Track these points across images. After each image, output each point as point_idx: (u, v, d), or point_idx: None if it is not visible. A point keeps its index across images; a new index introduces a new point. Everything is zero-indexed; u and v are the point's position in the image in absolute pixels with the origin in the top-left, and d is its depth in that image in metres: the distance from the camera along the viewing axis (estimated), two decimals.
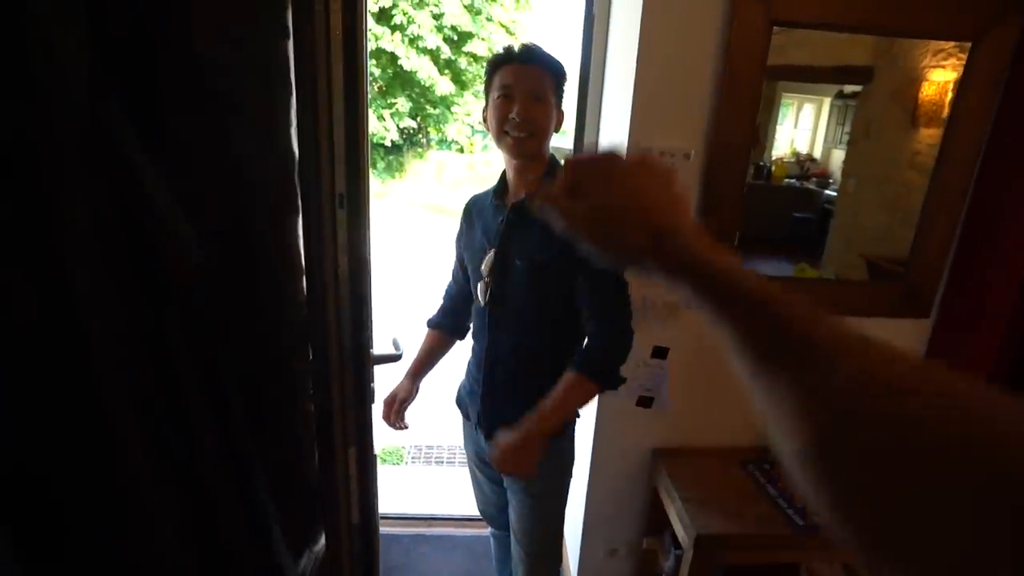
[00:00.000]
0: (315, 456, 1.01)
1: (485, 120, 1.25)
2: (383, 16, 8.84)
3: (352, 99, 0.95)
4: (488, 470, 1.49)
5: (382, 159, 11.12)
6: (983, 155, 1.45)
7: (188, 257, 0.64)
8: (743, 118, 1.39)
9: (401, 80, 9.65)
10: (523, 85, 1.15)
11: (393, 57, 9.11)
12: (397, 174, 11.44)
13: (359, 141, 0.99)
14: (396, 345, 1.29)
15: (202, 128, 0.74)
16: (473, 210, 1.39)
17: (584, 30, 1.66)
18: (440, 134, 11.44)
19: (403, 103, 9.86)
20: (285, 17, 0.89)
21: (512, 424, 1.25)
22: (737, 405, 1.67)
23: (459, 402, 1.48)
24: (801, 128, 1.51)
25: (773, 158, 1.50)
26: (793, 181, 1.54)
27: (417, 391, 1.51)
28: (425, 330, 1.55)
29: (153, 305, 0.60)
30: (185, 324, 0.63)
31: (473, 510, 1.72)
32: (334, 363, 0.96)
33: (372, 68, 9.33)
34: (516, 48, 1.20)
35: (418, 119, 10.79)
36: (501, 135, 1.19)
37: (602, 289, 1.20)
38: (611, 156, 0.48)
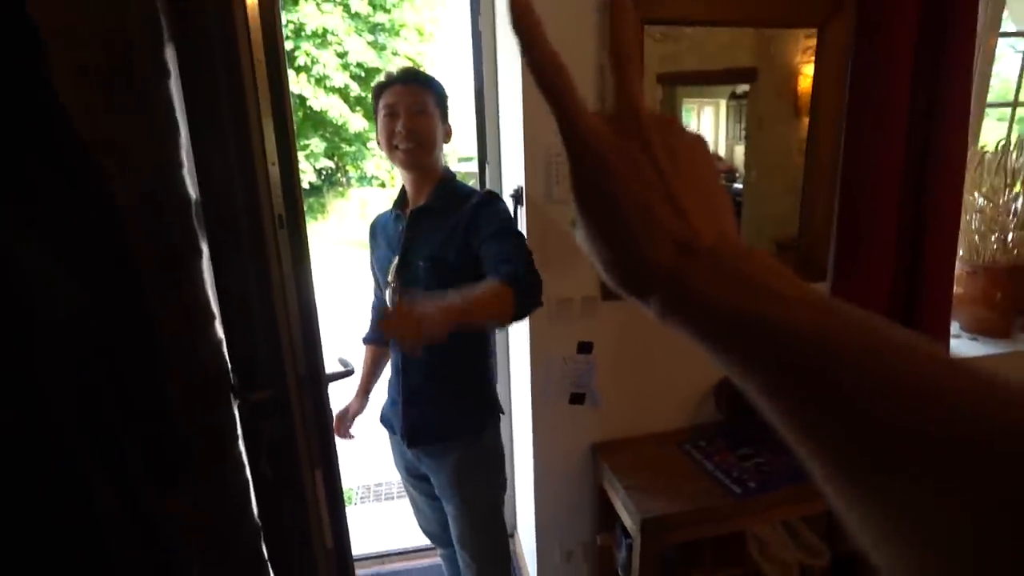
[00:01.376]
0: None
1: (379, 143, 1.31)
2: (287, 59, 8.73)
3: (279, 115, 0.95)
4: (422, 485, 1.49)
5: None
6: (845, 126, 1.59)
7: (58, 306, 0.61)
8: None
9: (312, 121, 9.52)
10: (405, 101, 1.25)
11: (301, 99, 9.00)
12: (320, 216, 11.21)
13: (290, 159, 0.99)
14: (344, 363, 1.26)
15: (71, 175, 0.71)
16: (377, 229, 1.45)
17: (473, 45, 1.71)
18: (359, 171, 11.33)
19: (317, 143, 9.73)
20: (162, 55, 0.87)
21: (435, 429, 1.35)
22: (666, 389, 1.73)
23: (384, 420, 1.48)
24: (704, 129, 1.61)
25: None
26: None
27: (366, 404, 1.59)
28: (363, 348, 1.61)
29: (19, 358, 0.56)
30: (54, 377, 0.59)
31: (425, 539, 1.69)
32: (292, 387, 0.95)
33: None
34: (396, 72, 1.30)
35: (335, 158, 10.65)
36: (392, 150, 1.27)
37: (502, 243, 1.17)
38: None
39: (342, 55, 8.81)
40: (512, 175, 1.65)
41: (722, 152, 1.63)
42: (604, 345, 1.63)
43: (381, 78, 1.33)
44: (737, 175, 1.64)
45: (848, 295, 1.68)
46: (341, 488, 1.18)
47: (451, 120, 1.36)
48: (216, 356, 0.95)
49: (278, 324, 0.96)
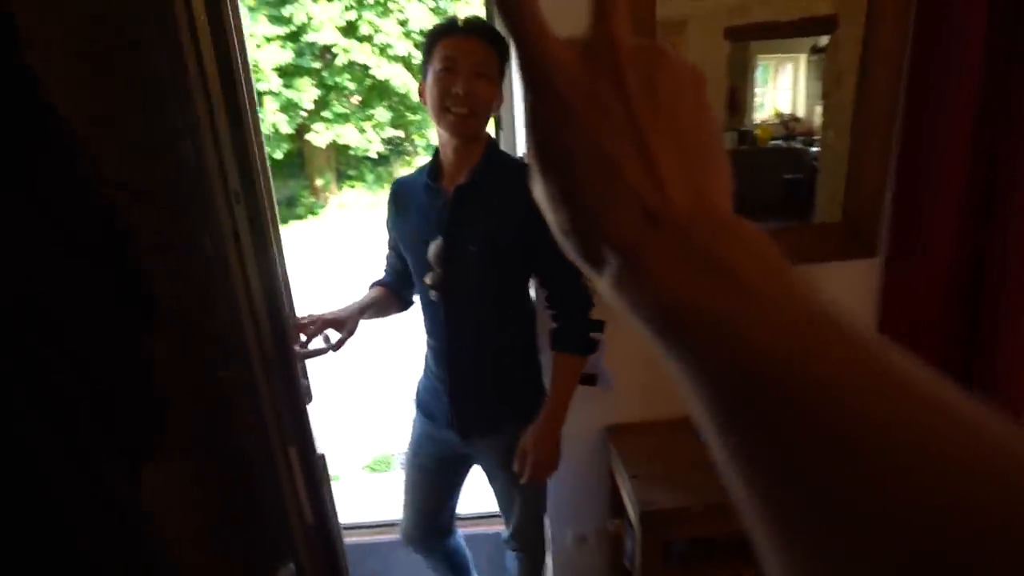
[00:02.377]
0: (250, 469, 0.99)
1: (422, 95, 1.16)
2: (350, 29, 8.81)
3: (229, 88, 0.91)
4: (449, 471, 1.42)
5: (370, 171, 11.13)
6: (907, 74, 1.36)
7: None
8: None
9: (377, 91, 9.62)
10: (467, 59, 1.08)
11: (365, 68, 9.09)
12: (387, 184, 11.47)
13: (243, 134, 0.94)
14: (327, 339, 1.24)
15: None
16: (403, 195, 1.29)
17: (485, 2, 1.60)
18: (424, 139, 11.43)
19: (382, 113, 9.85)
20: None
21: (487, 420, 1.28)
22: None
23: (420, 403, 1.40)
24: (781, 88, 1.46)
25: (756, 122, 1.45)
26: (779, 142, 1.48)
27: (356, 327, 1.27)
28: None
29: None
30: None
31: (463, 508, 1.64)
32: (257, 366, 0.94)
33: (347, 82, 9.31)
34: (459, 20, 1.12)
35: (400, 127, 10.78)
36: (442, 112, 1.11)
37: (559, 256, 1.14)
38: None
39: (403, 23, 8.78)
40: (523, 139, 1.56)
41: (801, 112, 1.47)
42: (620, 325, 1.51)
43: (439, 21, 1.15)
44: (816, 138, 1.46)
45: (902, 276, 1.47)
46: (320, 464, 1.16)
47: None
48: (176, 333, 0.95)
49: (238, 302, 0.95)
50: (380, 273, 1.44)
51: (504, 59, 1.14)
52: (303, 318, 1.21)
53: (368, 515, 2.24)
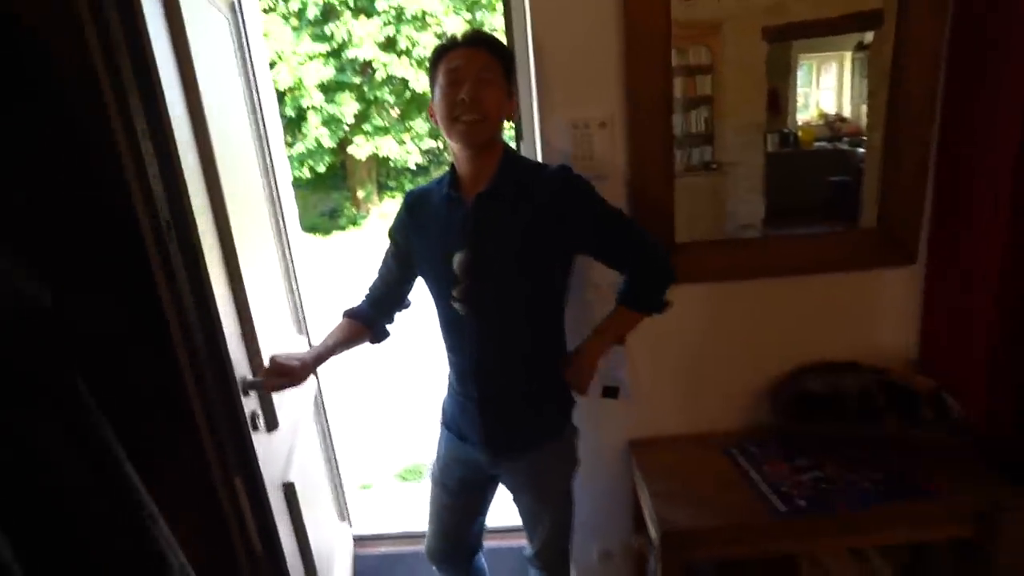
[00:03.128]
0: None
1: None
2: (389, 44, 9.01)
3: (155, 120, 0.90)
4: (476, 492, 1.38)
5: (410, 182, 11.32)
6: (945, 66, 1.28)
7: None
8: (656, 73, 1.29)
9: (416, 103, 9.79)
10: (471, 67, 1.08)
11: (404, 82, 9.26)
12: None
13: (172, 162, 0.93)
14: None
15: None
16: (420, 207, 1.25)
17: (504, 8, 1.60)
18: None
19: (421, 125, 10.01)
20: None
21: (521, 438, 1.25)
22: (715, 385, 1.55)
23: (449, 423, 1.35)
24: (824, 88, 1.42)
25: (799, 123, 1.41)
26: (824, 144, 1.43)
27: (305, 377, 1.22)
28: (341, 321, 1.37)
29: None
30: None
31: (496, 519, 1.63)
32: (193, 397, 0.94)
33: (386, 95, 9.51)
34: (459, 34, 1.13)
35: (439, 139, 10.93)
36: (451, 123, 1.10)
37: (615, 227, 1.17)
38: None
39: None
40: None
41: (847, 112, 1.41)
42: (646, 334, 1.46)
43: (442, 40, 1.16)
44: (863, 138, 1.40)
45: (948, 281, 1.38)
46: (264, 494, 1.13)
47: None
48: None
49: (170, 333, 0.92)
50: (358, 298, 1.37)
51: (509, 67, 1.13)
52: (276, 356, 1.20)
53: (398, 525, 2.24)
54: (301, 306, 1.78)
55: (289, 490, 1.31)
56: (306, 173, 9.75)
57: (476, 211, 1.14)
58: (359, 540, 2.13)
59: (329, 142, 9.38)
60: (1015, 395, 1.31)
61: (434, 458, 1.41)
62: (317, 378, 1.91)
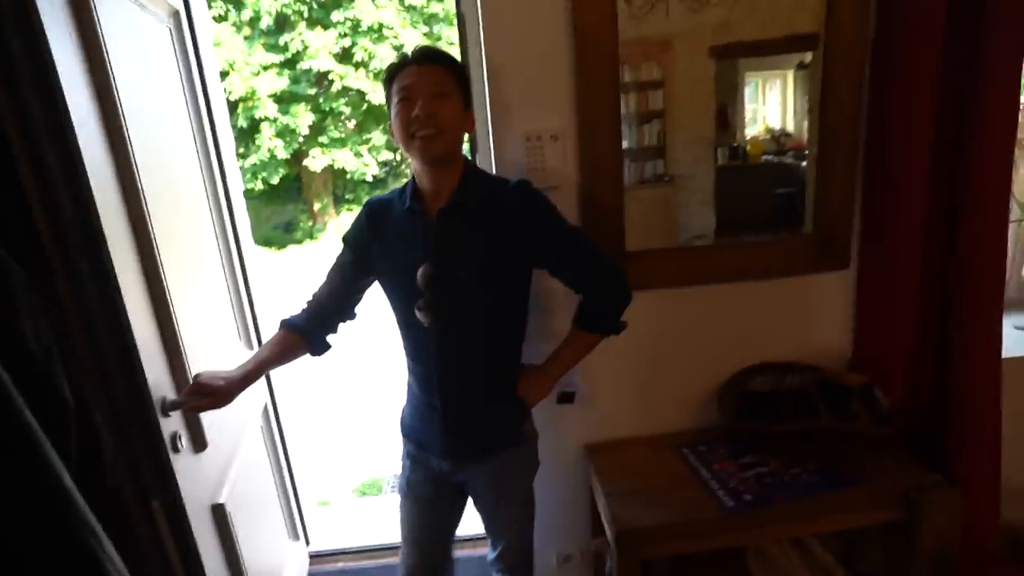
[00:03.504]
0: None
1: (393, 135, 1.16)
2: (345, 56, 8.96)
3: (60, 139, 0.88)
4: (446, 500, 1.35)
5: (367, 195, 11.22)
6: (869, 79, 1.38)
7: None
8: (605, 87, 1.35)
9: (374, 115, 9.74)
10: (424, 84, 1.08)
11: (360, 94, 9.21)
12: None
13: (78, 181, 0.90)
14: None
15: None
16: (380, 217, 1.24)
17: (458, 24, 1.63)
18: None
19: (378, 137, 9.95)
20: None
21: (482, 444, 1.25)
22: (668, 388, 1.60)
23: (409, 433, 1.34)
24: (770, 104, 1.48)
25: (748, 137, 1.47)
26: (771, 157, 1.50)
27: (230, 399, 1.16)
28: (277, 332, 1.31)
29: None
30: None
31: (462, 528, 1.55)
32: (99, 420, 0.90)
33: (342, 107, 9.42)
34: (410, 52, 1.14)
35: (396, 151, 10.89)
36: (409, 140, 1.10)
37: (572, 246, 1.19)
38: None
39: (398, 48, 8.89)
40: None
41: (791, 128, 1.48)
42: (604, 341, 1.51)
43: (393, 59, 1.15)
44: (806, 152, 1.48)
45: (875, 284, 1.48)
46: (185, 517, 1.09)
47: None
48: None
49: (77, 354, 0.89)
50: (297, 308, 1.32)
51: (463, 81, 1.15)
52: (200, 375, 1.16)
53: (358, 540, 2.21)
54: (254, 320, 1.75)
55: (219, 512, 1.27)
56: (259, 185, 9.53)
57: (439, 226, 1.16)
58: (316, 557, 2.09)
59: (283, 154, 9.22)
60: (934, 388, 1.42)
61: (400, 475, 1.39)
62: (271, 391, 1.87)
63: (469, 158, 1.22)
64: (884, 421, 1.38)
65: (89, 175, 0.91)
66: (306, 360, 1.33)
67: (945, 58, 1.28)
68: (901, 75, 1.32)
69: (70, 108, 0.87)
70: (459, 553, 1.93)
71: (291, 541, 1.90)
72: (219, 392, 1.14)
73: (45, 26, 0.83)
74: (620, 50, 1.34)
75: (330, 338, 1.32)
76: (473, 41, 1.63)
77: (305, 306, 1.31)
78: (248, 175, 9.25)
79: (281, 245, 10.13)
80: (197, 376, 1.14)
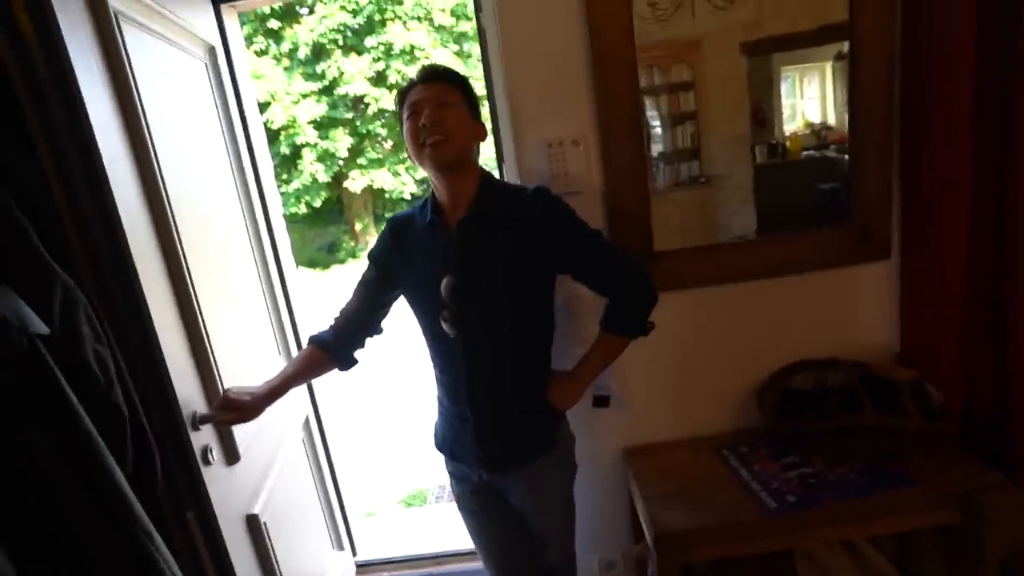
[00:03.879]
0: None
1: (408, 153, 1.21)
2: (380, 79, 9.23)
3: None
4: (496, 505, 1.35)
5: None
6: (900, 62, 1.34)
7: None
8: (624, 92, 1.35)
9: None
10: (428, 97, 1.14)
11: (396, 115, 9.43)
12: None
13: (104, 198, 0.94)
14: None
15: None
16: (403, 233, 1.28)
17: (479, 38, 1.67)
18: None
19: None
20: None
21: (515, 452, 1.26)
22: (706, 390, 1.58)
23: (441, 446, 1.36)
24: (808, 98, 1.45)
25: (787, 133, 1.45)
26: (812, 152, 1.47)
27: (256, 414, 1.22)
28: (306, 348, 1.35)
29: None
30: None
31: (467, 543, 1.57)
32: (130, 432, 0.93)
33: (379, 129, 9.70)
34: (416, 73, 1.20)
35: None
36: (419, 150, 1.14)
37: (595, 251, 1.20)
38: None
39: None
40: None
41: (832, 121, 1.45)
42: (635, 343, 1.49)
43: (403, 83, 1.23)
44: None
45: (919, 273, 1.42)
46: (217, 528, 1.14)
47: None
48: None
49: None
50: (325, 325, 1.36)
51: (467, 92, 1.19)
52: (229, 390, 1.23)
53: (403, 550, 2.24)
54: (296, 337, 1.81)
55: (253, 522, 1.31)
56: (303, 208, 9.88)
57: (459, 237, 1.18)
58: (362, 567, 2.13)
59: (324, 177, 9.54)
60: (991, 380, 1.35)
61: (449, 489, 1.43)
62: (314, 402, 1.94)
63: (486, 169, 1.24)
64: (936, 417, 1.32)
65: (120, 210, 0.96)
66: (350, 373, 1.37)
67: (980, 39, 1.22)
68: (935, 62, 1.27)
69: (101, 150, 0.94)
70: (475, 565, 1.92)
71: (335, 551, 1.94)
72: (245, 407, 1.19)
73: (76, 69, 0.89)
74: (643, 54, 1.35)
75: (358, 353, 1.35)
76: (494, 53, 1.67)
77: (332, 322, 1.35)
78: (292, 199, 9.61)
79: (325, 266, 10.45)
80: (226, 391, 1.21)
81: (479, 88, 1.50)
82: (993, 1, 1.20)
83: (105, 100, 0.98)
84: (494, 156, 1.78)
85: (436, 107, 1.12)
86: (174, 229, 1.14)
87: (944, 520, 1.22)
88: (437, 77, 1.17)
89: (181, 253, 1.15)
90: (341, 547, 2.00)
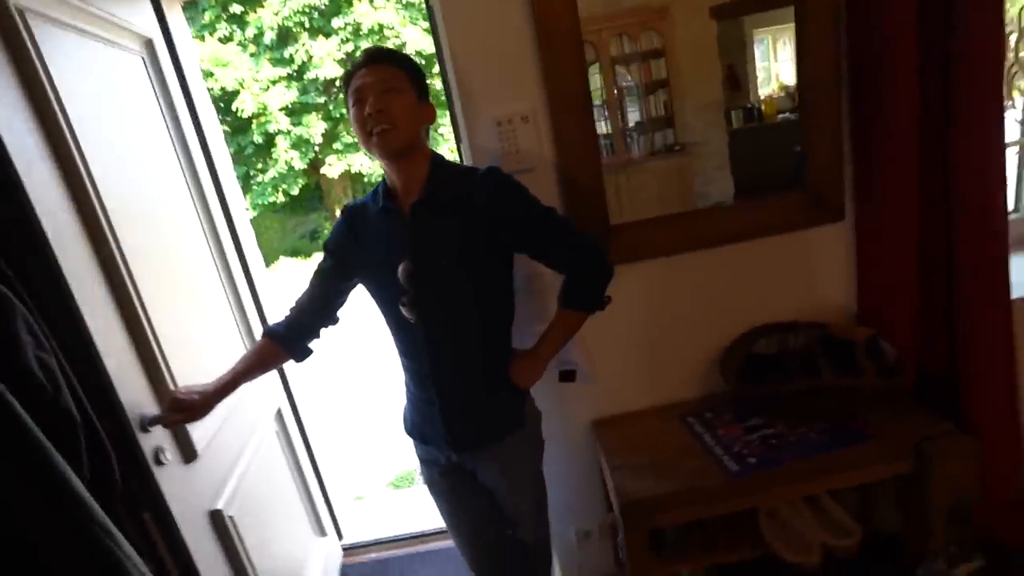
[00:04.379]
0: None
1: (359, 141, 1.18)
2: (349, 61, 9.06)
3: None
4: (467, 486, 1.37)
5: None
6: (845, 23, 1.34)
7: None
8: (570, 68, 1.34)
9: None
10: (373, 83, 1.11)
11: None
12: None
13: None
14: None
15: None
16: (358, 221, 1.28)
17: (428, 14, 1.64)
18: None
19: None
20: None
21: (483, 432, 1.27)
22: (672, 358, 1.60)
23: (411, 431, 1.38)
24: (783, 60, 1.43)
25: (762, 97, 1.44)
26: (788, 115, 1.46)
27: (206, 412, 1.22)
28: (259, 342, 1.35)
29: None
30: None
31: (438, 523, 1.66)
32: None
33: None
34: (360, 55, 1.17)
35: None
36: (367, 138, 1.13)
37: (549, 228, 1.20)
38: None
39: (400, 47, 8.97)
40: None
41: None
42: (598, 315, 1.50)
43: (348, 65, 1.20)
44: None
45: (872, 233, 1.44)
46: (175, 527, 1.14)
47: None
48: None
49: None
50: (280, 316, 1.35)
51: (415, 75, 1.16)
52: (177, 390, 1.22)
53: (392, 530, 2.27)
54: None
55: (217, 518, 1.32)
56: (281, 197, 9.75)
57: (413, 221, 1.18)
58: (350, 549, 2.16)
59: (300, 164, 9.40)
60: (943, 335, 1.38)
61: (419, 474, 1.44)
62: (288, 393, 1.94)
63: (437, 152, 1.23)
64: (891, 373, 1.35)
65: (39, 213, 0.94)
66: (334, 358, 1.37)
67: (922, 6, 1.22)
68: (880, 26, 1.27)
69: (11, 154, 0.91)
70: (444, 544, 1.96)
71: (317, 537, 1.97)
72: (194, 406, 1.19)
73: None
74: (611, 22, 1.33)
75: (313, 343, 1.35)
76: (441, 31, 1.65)
77: (288, 313, 1.34)
78: (269, 189, 9.48)
79: (307, 254, 10.37)
80: (172, 392, 1.20)
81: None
82: None
83: (14, 101, 0.95)
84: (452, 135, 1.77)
85: (381, 94, 1.11)
86: (107, 229, 1.11)
87: (899, 471, 1.26)
88: (382, 59, 1.15)
89: (118, 254, 1.13)
90: (324, 533, 2.02)
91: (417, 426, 1.35)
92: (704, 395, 1.60)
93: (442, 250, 1.17)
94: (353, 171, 9.78)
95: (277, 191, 9.62)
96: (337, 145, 9.59)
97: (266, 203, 9.61)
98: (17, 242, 0.92)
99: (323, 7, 8.77)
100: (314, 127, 9.20)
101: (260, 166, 9.49)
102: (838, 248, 1.52)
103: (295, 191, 9.79)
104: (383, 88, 1.11)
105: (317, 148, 9.45)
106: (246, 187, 9.49)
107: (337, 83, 9.07)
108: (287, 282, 8.12)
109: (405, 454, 3.32)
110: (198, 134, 1.67)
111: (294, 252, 10.50)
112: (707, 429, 1.45)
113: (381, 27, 8.82)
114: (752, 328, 1.55)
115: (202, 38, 8.60)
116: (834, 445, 1.30)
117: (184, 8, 1.77)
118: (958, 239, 1.34)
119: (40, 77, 1.00)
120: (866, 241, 1.47)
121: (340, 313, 1.36)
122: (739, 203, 1.50)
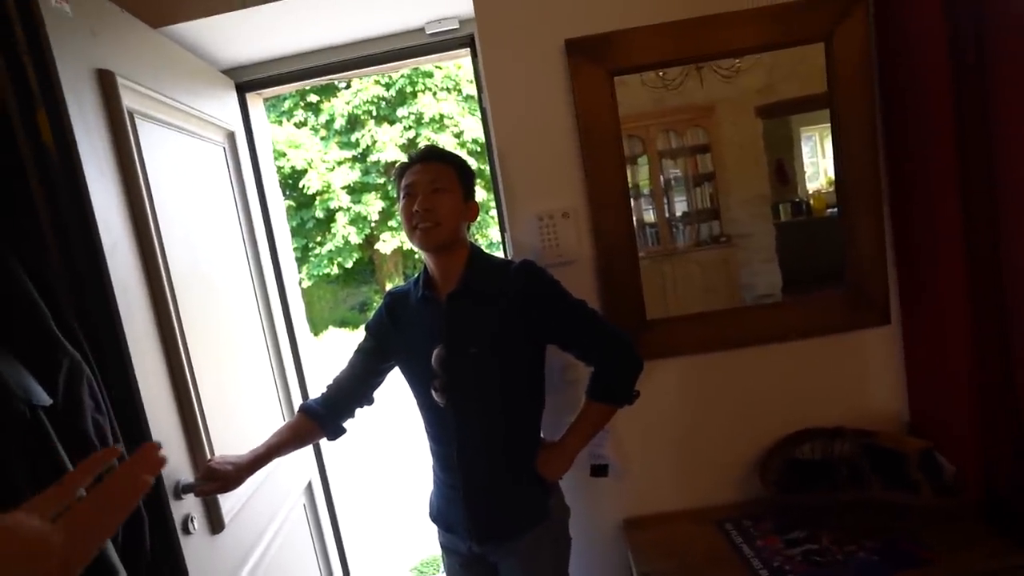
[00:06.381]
0: None
1: (404, 228, 1.27)
2: (410, 146, 9.65)
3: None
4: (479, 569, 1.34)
5: None
6: (882, 130, 1.37)
7: None
8: (610, 167, 1.40)
9: None
10: (423, 180, 1.20)
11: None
12: None
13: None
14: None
15: None
16: (398, 307, 1.34)
17: (481, 113, 1.78)
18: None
19: None
20: None
21: (506, 524, 1.25)
22: (710, 458, 1.54)
23: (436, 517, 1.37)
24: (831, 156, 1.45)
25: (810, 191, 1.48)
26: (836, 210, 1.47)
27: (237, 483, 1.22)
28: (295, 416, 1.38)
29: None
30: None
31: None
32: None
33: None
34: (415, 152, 1.27)
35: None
36: (411, 231, 1.21)
37: (578, 320, 1.22)
38: None
39: (458, 135, 9.55)
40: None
41: None
42: (634, 410, 1.45)
43: (403, 159, 1.28)
44: None
45: (921, 337, 1.39)
46: None
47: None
48: None
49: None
50: (320, 388, 1.39)
51: (463, 173, 1.25)
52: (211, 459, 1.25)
53: None
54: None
55: None
56: (335, 269, 10.20)
57: (448, 309, 1.23)
58: None
59: (356, 239, 9.89)
60: (1010, 451, 1.28)
61: (443, 565, 1.41)
62: (321, 468, 1.95)
63: (476, 245, 1.30)
64: (947, 491, 1.25)
65: (116, 292, 1.03)
66: (363, 438, 1.39)
67: (956, 105, 1.24)
68: (915, 127, 1.30)
69: (103, 239, 1.02)
70: None
71: None
72: (228, 476, 1.21)
73: (84, 165, 0.98)
74: (657, 119, 1.42)
75: (347, 423, 1.38)
76: (492, 129, 1.77)
77: (325, 390, 1.37)
78: (325, 261, 9.96)
79: (355, 325, 10.65)
80: (208, 461, 1.23)
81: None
82: (963, 72, 1.22)
83: (111, 191, 1.07)
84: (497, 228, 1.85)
85: (431, 192, 1.19)
86: (171, 305, 1.20)
87: None
88: (434, 158, 1.24)
89: (178, 327, 1.21)
90: None
91: (442, 513, 1.34)
92: (741, 500, 1.52)
93: (474, 338, 1.21)
94: (405, 248, 10.19)
95: (332, 263, 10.09)
96: (392, 223, 10.08)
97: (321, 274, 10.06)
98: (91, 308, 1.01)
99: (390, 98, 9.53)
100: (372, 205, 9.74)
101: (319, 239, 10.03)
102: (886, 351, 1.47)
103: (349, 264, 10.24)
104: (433, 187, 1.19)
105: (373, 224, 9.95)
106: (304, 258, 10.00)
107: (396, 165, 9.66)
108: (333, 351, 8.31)
109: (431, 538, 3.21)
110: (263, 211, 1.81)
111: (343, 323, 10.81)
112: (746, 539, 1.36)
113: (442, 116, 9.46)
114: (794, 432, 1.48)
115: (280, 123, 9.44)
116: (890, 567, 1.19)
117: (265, 99, 1.99)
118: (1015, 340, 1.27)
119: (136, 169, 1.13)
120: (915, 344, 1.41)
121: (376, 394, 1.39)
122: (785, 299, 1.48)
